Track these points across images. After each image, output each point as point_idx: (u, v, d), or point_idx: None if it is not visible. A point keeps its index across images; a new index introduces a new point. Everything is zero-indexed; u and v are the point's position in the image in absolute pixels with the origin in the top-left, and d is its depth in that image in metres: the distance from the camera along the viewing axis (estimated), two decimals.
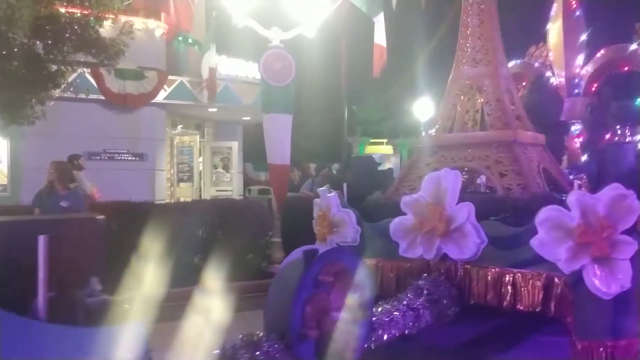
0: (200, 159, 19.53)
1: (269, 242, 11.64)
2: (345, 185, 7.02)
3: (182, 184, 19.14)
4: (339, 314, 4.40)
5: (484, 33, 7.32)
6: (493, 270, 6.10)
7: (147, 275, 8.11)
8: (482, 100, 7.12)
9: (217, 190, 19.24)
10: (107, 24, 11.36)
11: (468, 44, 7.40)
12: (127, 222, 10.15)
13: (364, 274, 4.66)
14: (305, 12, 13.05)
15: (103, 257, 3.92)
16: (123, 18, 12.28)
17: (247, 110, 18.93)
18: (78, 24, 10.77)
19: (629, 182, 5.68)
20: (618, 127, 9.16)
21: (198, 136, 19.68)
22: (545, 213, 5.75)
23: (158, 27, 18.48)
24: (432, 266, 6.41)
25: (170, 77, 18.35)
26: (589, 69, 10.16)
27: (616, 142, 7.75)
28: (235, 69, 18.88)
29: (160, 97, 18.25)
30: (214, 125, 20.32)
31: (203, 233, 10.51)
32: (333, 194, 7.03)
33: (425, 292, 5.85)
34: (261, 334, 4.07)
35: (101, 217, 4.12)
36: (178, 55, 18.81)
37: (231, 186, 19.62)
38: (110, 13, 11.45)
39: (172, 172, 19.08)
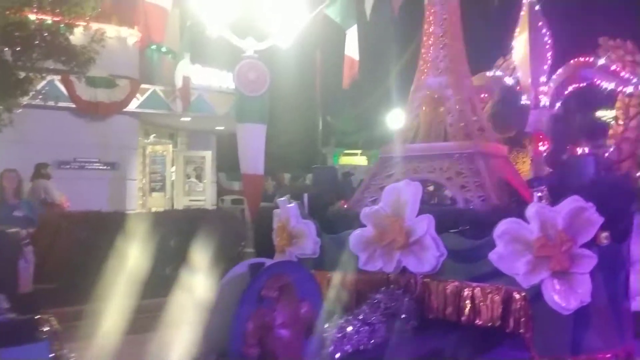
0: (173, 169, 19.22)
1: (242, 253, 11.43)
2: (305, 195, 6.78)
3: (154, 194, 18.79)
4: (284, 331, 4.15)
5: (447, 43, 7.15)
6: (452, 283, 5.89)
7: (117, 286, 7.86)
8: (444, 110, 6.95)
9: (190, 200, 18.93)
10: (78, 31, 11.04)
11: (430, 54, 7.24)
12: (96, 232, 9.93)
13: (312, 287, 4.41)
14: (280, 23, 13.01)
15: (14, 274, 3.62)
16: (95, 25, 12.00)
17: (220, 119, 18.72)
18: (48, 31, 10.46)
19: (589, 194, 5.51)
20: (582, 139, 9.06)
21: (171, 145, 19.39)
22: (503, 226, 5.57)
23: (131, 35, 18.18)
24: (392, 279, 6.18)
25: (143, 85, 18.09)
26: (555, 81, 10.06)
27: (577, 154, 7.61)
28: (209, 78, 18.69)
29: (132, 106, 18.00)
30: (187, 134, 20.04)
31: (175, 243, 10.28)
32: (293, 204, 6.81)
33: (382, 306, 5.63)
34: (198, 354, 3.80)
35: (14, 230, 3.83)
36: (151, 64, 18.54)
37: (204, 196, 19.32)
38: (81, 20, 11.21)
39: (144, 181, 18.73)
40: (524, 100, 10.15)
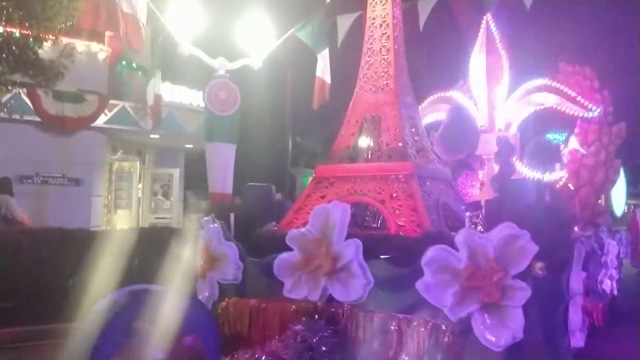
0: (140, 186, 18.53)
1: None
2: (232, 215, 6.19)
3: (119, 211, 18.05)
4: None
5: (387, 58, 6.66)
6: (379, 314, 5.31)
7: (79, 306, 7.27)
8: (382, 128, 6.43)
9: (156, 218, 18.22)
10: (47, 45, 10.49)
11: (369, 70, 6.73)
12: (58, 249, 9.43)
13: (203, 319, 3.81)
14: (252, 43, 12.77)
15: None
16: (64, 40, 11.57)
17: (190, 137, 18.16)
18: (16, 44, 9.97)
19: (524, 221, 4.98)
20: (534, 163, 8.57)
21: (138, 162, 18.72)
22: (431, 253, 5.02)
23: (101, 51, 17.65)
24: (319, 309, 5.58)
25: (112, 101, 17.51)
26: (511, 104, 9.59)
27: (516, 178, 7.09)
28: (179, 96, 18.21)
29: (100, 121, 17.39)
30: (155, 151, 19.42)
31: (138, 262, 9.72)
32: (216, 224, 6.20)
33: (299, 338, 5.02)
34: None
35: None
36: (121, 80, 17.97)
37: (171, 214, 18.62)
38: (51, 34, 10.76)
39: (109, 198, 18.01)
40: (480, 122, 9.67)
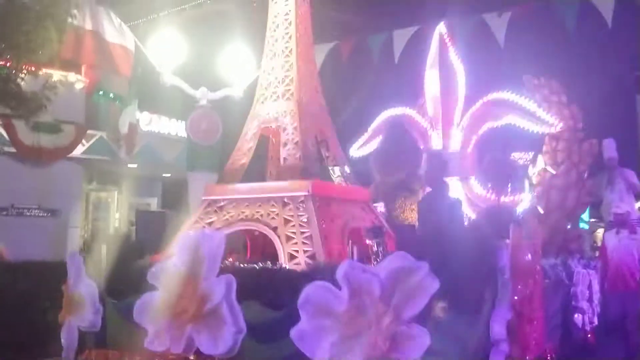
0: (117, 215, 17.60)
1: None
2: (103, 247, 5.08)
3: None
4: None
5: (290, 62, 5.58)
6: None
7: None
8: (281, 142, 5.32)
9: None
10: (28, 77, 10.01)
11: (270, 75, 5.65)
12: (38, 283, 8.62)
13: None
14: (233, 73, 12.18)
15: None
16: (43, 70, 10.97)
17: (168, 166, 17.33)
18: None
19: (424, 249, 3.80)
20: (487, 181, 7.42)
21: (116, 192, 17.84)
22: (307, 292, 3.86)
23: (78, 81, 16.94)
24: None
25: (89, 131, 16.80)
26: (467, 121, 8.43)
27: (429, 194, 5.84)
28: (158, 125, 17.53)
29: (78, 152, 16.68)
30: (133, 180, 18.55)
31: None
32: (77, 257, 5.07)
33: None
34: None
35: None
36: (98, 110, 17.26)
37: None
38: (31, 65, 10.08)
39: (86, 228, 17.09)
40: (434, 141, 8.54)
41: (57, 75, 15.15)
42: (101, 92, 17.72)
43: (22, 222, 15.41)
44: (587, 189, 8.99)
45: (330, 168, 5.80)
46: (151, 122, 17.46)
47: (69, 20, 12.09)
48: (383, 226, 5.07)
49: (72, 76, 16.91)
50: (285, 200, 5.02)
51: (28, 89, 10.18)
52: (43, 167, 16.15)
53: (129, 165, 17.16)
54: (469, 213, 7.89)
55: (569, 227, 9.05)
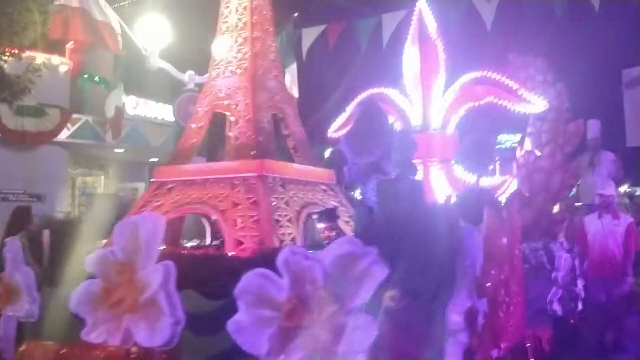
0: None
1: None
2: (45, 232, 4.72)
3: None
4: None
5: (244, 34, 5.17)
6: None
7: None
8: (234, 120, 4.94)
9: None
10: (11, 59, 9.96)
11: (222, 49, 5.25)
12: None
13: None
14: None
15: None
16: (26, 53, 10.87)
17: (155, 151, 16.95)
18: None
19: (372, 234, 3.44)
20: (465, 164, 7.02)
21: (102, 177, 17.47)
22: (245, 281, 3.50)
23: (62, 64, 16.52)
24: (134, 356, 4.06)
25: (74, 115, 16.42)
26: (448, 100, 8.01)
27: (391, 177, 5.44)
28: (145, 109, 17.12)
29: (63, 136, 16.32)
30: (120, 165, 18.16)
31: None
32: (15, 244, 4.72)
33: None
34: None
35: None
36: (83, 94, 16.86)
37: None
38: (14, 48, 9.95)
39: (73, 213, 16.77)
40: (414, 121, 8.14)
41: (40, 58, 14.78)
42: (86, 76, 17.38)
43: (7, 207, 15.04)
44: (572, 171, 8.59)
45: None
46: (138, 106, 17.05)
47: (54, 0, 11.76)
48: (336, 208, 4.70)
49: (55, 59, 16.52)
50: (235, 181, 4.64)
51: (11, 72, 9.97)
52: (27, 151, 15.88)
53: (116, 150, 16.80)
54: (449, 196, 7.52)
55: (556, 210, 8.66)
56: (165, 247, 4.73)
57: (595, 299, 7.60)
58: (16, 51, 10.02)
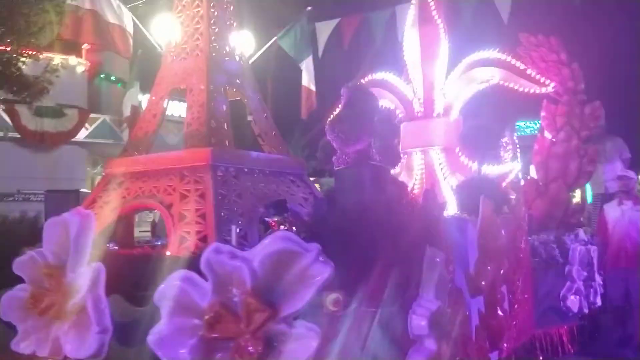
0: None
1: None
2: None
3: None
4: None
5: (200, 12, 4.65)
6: None
7: None
8: (187, 105, 4.43)
9: (140, 232, 16.70)
10: (29, 60, 10.04)
11: (181, 32, 4.74)
12: None
13: None
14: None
15: None
16: (43, 54, 10.99)
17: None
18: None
19: (317, 227, 2.87)
20: (466, 151, 6.38)
21: None
22: (164, 285, 2.97)
23: (79, 64, 16.50)
24: None
25: (92, 115, 16.40)
26: (451, 83, 7.34)
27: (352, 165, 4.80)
28: None
29: (81, 136, 16.36)
30: None
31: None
32: None
33: None
34: None
35: None
36: (100, 93, 16.83)
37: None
38: (32, 49, 10.03)
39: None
40: (415, 106, 7.51)
41: (58, 58, 14.73)
42: (103, 75, 17.30)
43: (28, 208, 15.03)
44: (590, 157, 7.79)
45: None
46: None
47: (68, 0, 11.59)
48: (285, 200, 4.15)
49: (73, 59, 16.51)
50: (185, 172, 4.13)
51: (29, 73, 9.98)
52: (47, 151, 15.91)
53: None
54: (452, 185, 6.90)
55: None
56: (115, 247, 4.31)
57: (616, 291, 6.91)
58: (34, 52, 10.01)
